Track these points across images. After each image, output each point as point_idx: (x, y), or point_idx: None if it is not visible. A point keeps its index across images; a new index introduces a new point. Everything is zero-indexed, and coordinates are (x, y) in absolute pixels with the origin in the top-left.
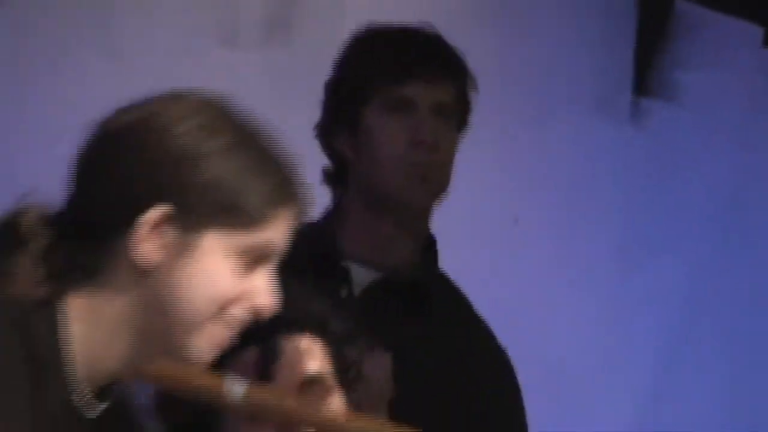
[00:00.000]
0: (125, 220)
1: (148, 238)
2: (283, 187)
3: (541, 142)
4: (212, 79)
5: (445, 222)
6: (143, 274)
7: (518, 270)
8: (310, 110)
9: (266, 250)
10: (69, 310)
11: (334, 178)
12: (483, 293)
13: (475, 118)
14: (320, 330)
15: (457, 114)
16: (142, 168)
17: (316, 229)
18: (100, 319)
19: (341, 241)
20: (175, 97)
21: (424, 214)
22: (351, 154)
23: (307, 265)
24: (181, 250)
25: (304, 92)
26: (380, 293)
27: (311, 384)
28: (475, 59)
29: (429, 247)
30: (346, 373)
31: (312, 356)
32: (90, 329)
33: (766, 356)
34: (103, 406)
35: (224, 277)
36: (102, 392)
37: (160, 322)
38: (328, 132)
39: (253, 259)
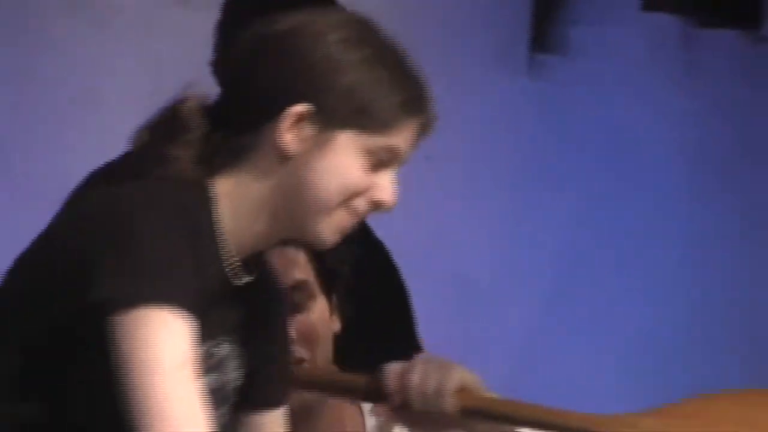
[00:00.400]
0: (272, 114)
1: (290, 131)
2: (413, 100)
3: (446, 91)
4: (166, 37)
5: None
6: (283, 161)
7: (430, 202)
8: None
9: (391, 154)
10: (218, 189)
11: None
12: (398, 222)
13: None
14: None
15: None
16: (291, 70)
17: None
18: (244, 199)
19: None
20: (325, 11)
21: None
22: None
23: None
24: (318, 144)
25: None
26: None
27: (295, 290)
28: (379, 14)
29: None
30: (329, 280)
31: (296, 265)
32: (235, 207)
33: (650, 278)
34: (248, 278)
35: (354, 171)
36: (245, 265)
37: (294, 205)
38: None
39: (378, 161)
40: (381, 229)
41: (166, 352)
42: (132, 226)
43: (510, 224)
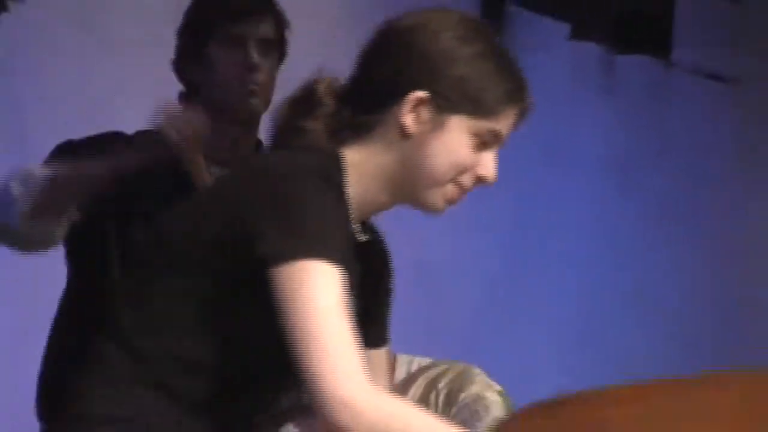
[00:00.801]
0: (395, 98)
1: (410, 113)
2: (515, 91)
3: None
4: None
5: None
6: (403, 139)
7: None
8: None
9: (494, 137)
10: (346, 159)
11: (186, 99)
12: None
13: None
14: None
15: (277, 47)
16: (412, 61)
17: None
18: (368, 169)
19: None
20: (441, 11)
21: (257, 121)
22: (200, 81)
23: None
24: (434, 126)
25: None
26: None
27: None
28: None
29: (258, 146)
30: None
31: None
32: (359, 175)
33: (576, 266)
34: (365, 237)
35: (463, 151)
36: (362, 227)
37: (411, 177)
38: (181, 65)
39: (483, 142)
40: None
41: (322, 296)
42: (292, 189)
43: (461, 219)
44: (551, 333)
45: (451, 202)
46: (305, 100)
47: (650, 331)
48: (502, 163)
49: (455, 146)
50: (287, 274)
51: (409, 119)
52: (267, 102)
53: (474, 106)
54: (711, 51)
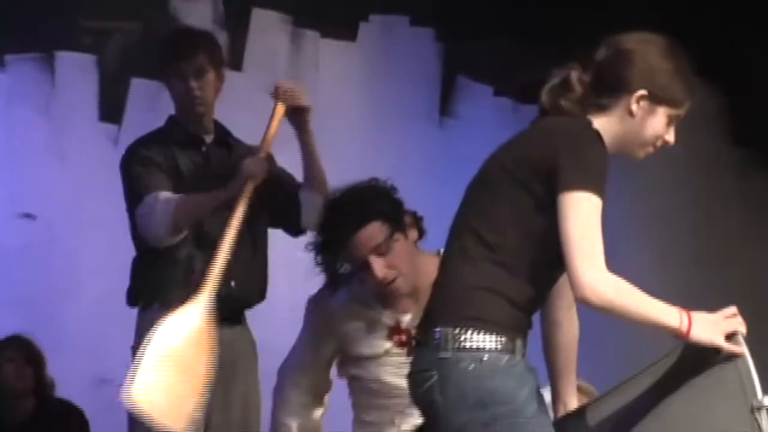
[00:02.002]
0: (625, 92)
1: (634, 103)
2: (691, 92)
3: (392, 135)
4: None
5: None
6: (628, 117)
7: None
8: None
9: (676, 119)
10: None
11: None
12: None
13: None
14: None
15: (213, 68)
16: (641, 70)
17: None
18: (604, 132)
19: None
20: (650, 37)
21: (206, 115)
22: (174, 101)
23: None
24: (648, 112)
25: None
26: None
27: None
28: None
29: (215, 124)
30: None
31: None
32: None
33: None
34: None
35: (662, 128)
36: None
37: (629, 140)
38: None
39: (670, 121)
40: None
41: (587, 216)
42: (585, 142)
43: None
44: None
45: (647, 155)
46: (561, 86)
47: None
48: (450, 179)
49: (659, 125)
50: (571, 197)
51: (634, 107)
52: (206, 104)
53: (671, 101)
54: None
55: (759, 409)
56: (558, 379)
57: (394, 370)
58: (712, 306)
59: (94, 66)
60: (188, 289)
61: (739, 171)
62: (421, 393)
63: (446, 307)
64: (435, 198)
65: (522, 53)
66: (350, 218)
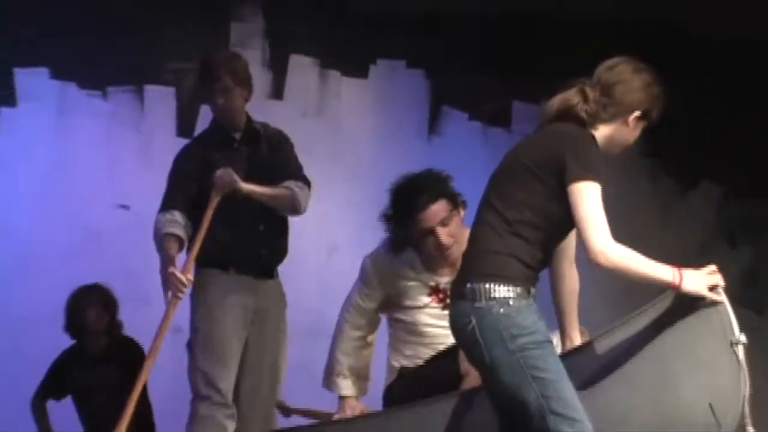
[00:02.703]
0: (627, 111)
1: (632, 119)
2: (661, 98)
3: (388, 150)
4: None
5: None
6: (623, 127)
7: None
8: None
9: (649, 122)
10: (594, 131)
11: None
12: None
13: None
14: None
15: (239, 85)
16: (640, 97)
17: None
18: (601, 136)
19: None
20: (635, 63)
21: (238, 117)
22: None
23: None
24: (635, 126)
25: None
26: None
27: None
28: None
29: (249, 121)
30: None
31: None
32: (598, 138)
33: None
34: None
35: (638, 134)
36: None
37: (617, 143)
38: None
39: (642, 124)
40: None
41: (593, 198)
42: (585, 143)
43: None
44: None
45: (620, 152)
46: (578, 94)
47: None
48: None
49: (637, 133)
50: (579, 187)
51: (630, 122)
52: (235, 111)
53: (651, 119)
54: None
55: (736, 344)
56: (564, 320)
57: (431, 320)
58: (627, 288)
59: (173, 96)
60: (229, 254)
61: (649, 176)
62: (463, 336)
63: (476, 268)
64: None
65: (490, 89)
66: (423, 196)
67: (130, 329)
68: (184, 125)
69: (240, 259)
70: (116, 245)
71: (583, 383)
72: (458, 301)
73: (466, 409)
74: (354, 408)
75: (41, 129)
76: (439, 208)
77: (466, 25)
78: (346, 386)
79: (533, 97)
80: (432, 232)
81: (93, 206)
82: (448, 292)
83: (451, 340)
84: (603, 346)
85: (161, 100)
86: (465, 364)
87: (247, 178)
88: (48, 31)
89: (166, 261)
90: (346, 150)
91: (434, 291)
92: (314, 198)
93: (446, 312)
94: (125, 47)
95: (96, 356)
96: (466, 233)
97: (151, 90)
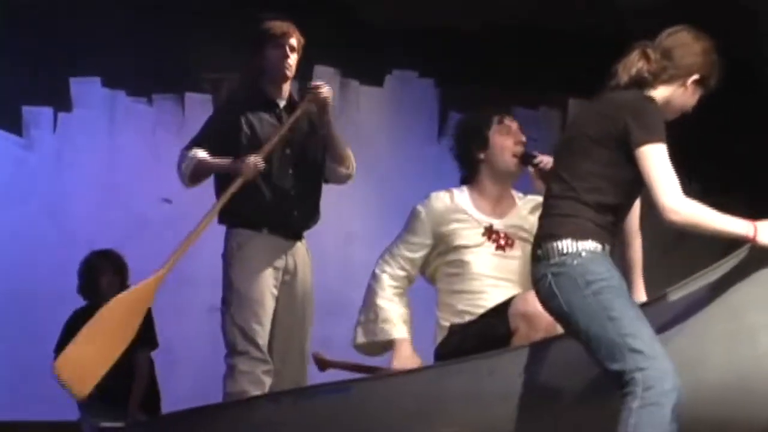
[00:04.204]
0: (687, 74)
1: (690, 82)
2: (719, 67)
3: (396, 152)
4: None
5: None
6: (681, 90)
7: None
8: None
9: (706, 89)
10: (653, 92)
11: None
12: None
13: None
14: None
15: (297, 48)
16: (699, 61)
17: None
18: (660, 98)
19: None
20: (701, 34)
21: (286, 89)
22: (266, 67)
23: None
24: (693, 90)
25: None
26: None
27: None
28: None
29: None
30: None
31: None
32: (657, 100)
33: None
34: None
35: (694, 101)
36: None
37: (673, 107)
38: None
39: (700, 91)
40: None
41: (661, 159)
42: (645, 107)
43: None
44: None
45: (674, 118)
46: (641, 57)
47: None
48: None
49: (694, 99)
50: (645, 150)
51: (689, 85)
52: (292, 69)
53: (708, 85)
54: None
55: None
56: (630, 279)
57: (484, 261)
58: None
59: (211, 103)
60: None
61: None
62: (545, 293)
63: (548, 231)
64: (432, 190)
65: (492, 96)
66: (489, 115)
67: (168, 310)
68: None
69: (272, 219)
70: (160, 234)
71: (657, 332)
72: (535, 263)
73: (519, 364)
74: (410, 356)
75: (93, 132)
76: (508, 123)
77: (470, 38)
78: (398, 329)
79: (532, 103)
80: (512, 129)
81: (140, 200)
82: (502, 234)
83: (502, 290)
84: (677, 298)
85: (200, 106)
86: (515, 322)
87: (286, 147)
88: (99, 45)
89: (221, 164)
90: (364, 151)
91: (488, 231)
92: (334, 193)
93: (500, 254)
94: (168, 59)
95: None
96: (510, 192)
97: (191, 97)
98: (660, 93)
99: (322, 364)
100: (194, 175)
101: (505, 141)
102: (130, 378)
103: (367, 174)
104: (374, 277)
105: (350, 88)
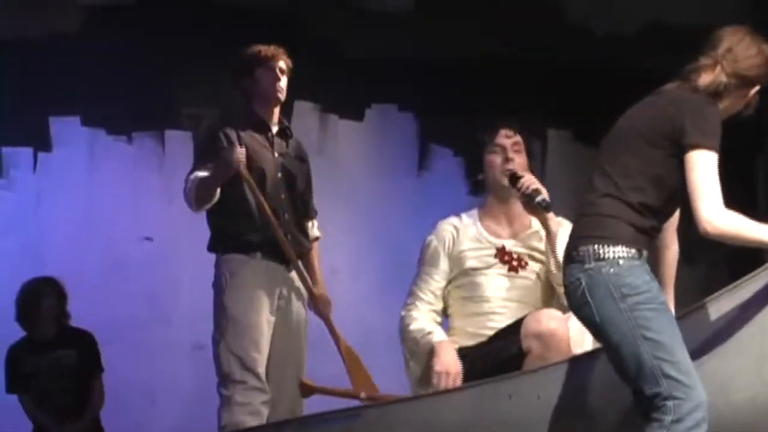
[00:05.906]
0: (751, 84)
1: (753, 92)
2: None
3: (379, 184)
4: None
5: None
6: (743, 98)
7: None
8: None
9: (759, 87)
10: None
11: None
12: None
13: None
14: None
15: (287, 77)
16: (762, 72)
17: None
18: (722, 101)
19: None
20: (752, 33)
21: (277, 114)
22: (257, 91)
23: None
24: (752, 98)
25: None
26: None
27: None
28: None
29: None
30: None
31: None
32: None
33: None
34: None
35: (743, 103)
36: None
37: (731, 110)
38: (236, 81)
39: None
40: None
41: (709, 169)
42: (706, 109)
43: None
44: None
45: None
46: (714, 72)
47: None
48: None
49: (735, 106)
50: (696, 155)
51: (751, 94)
52: (282, 94)
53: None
54: None
55: None
56: (663, 284)
57: (495, 283)
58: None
59: (190, 140)
60: (257, 235)
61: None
62: (575, 299)
63: (586, 231)
64: (414, 223)
65: (472, 128)
66: (491, 133)
67: (150, 348)
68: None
69: (265, 243)
70: (141, 272)
71: (687, 348)
72: (569, 265)
73: (533, 387)
74: (453, 360)
75: (73, 170)
76: (511, 133)
77: (450, 70)
78: (437, 334)
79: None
80: (503, 148)
81: (120, 238)
82: (515, 255)
83: (514, 312)
84: (709, 311)
85: (180, 143)
86: (527, 342)
87: (277, 172)
88: (78, 84)
89: (214, 170)
90: (345, 185)
91: (500, 252)
92: (316, 227)
93: (512, 276)
94: (147, 97)
95: (46, 343)
96: (522, 213)
97: (171, 134)
98: (724, 103)
99: (308, 390)
100: (198, 197)
101: (495, 159)
102: (84, 403)
103: (347, 209)
104: (402, 323)
105: (330, 123)
